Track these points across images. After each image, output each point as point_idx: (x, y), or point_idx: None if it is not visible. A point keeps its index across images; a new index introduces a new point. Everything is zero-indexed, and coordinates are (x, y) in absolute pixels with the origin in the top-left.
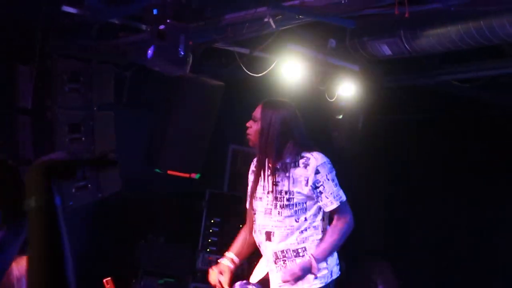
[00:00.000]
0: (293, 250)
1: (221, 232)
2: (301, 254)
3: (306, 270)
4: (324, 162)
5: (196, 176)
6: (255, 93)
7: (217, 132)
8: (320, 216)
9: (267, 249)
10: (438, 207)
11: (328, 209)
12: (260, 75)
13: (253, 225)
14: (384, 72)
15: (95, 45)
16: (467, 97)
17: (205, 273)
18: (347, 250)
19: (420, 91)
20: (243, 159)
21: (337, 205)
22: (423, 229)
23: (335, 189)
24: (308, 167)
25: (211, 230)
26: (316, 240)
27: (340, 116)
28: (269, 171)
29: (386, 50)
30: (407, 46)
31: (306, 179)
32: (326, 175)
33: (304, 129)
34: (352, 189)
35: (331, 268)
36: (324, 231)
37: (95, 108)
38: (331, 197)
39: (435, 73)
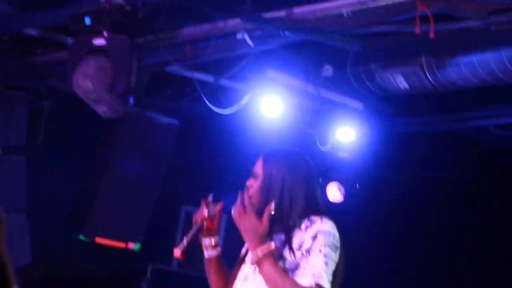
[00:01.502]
0: None
1: None
2: None
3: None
4: (329, 232)
5: (134, 246)
6: (220, 136)
7: (166, 187)
8: None
9: None
10: None
11: (297, 282)
12: (228, 111)
13: None
14: (397, 112)
15: (4, 64)
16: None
17: None
18: None
19: (447, 140)
20: None
21: (308, 285)
22: None
23: (321, 267)
24: (308, 229)
25: None
26: None
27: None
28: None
29: (402, 83)
30: (430, 78)
31: (300, 242)
32: (323, 245)
33: (318, 185)
34: (356, 269)
35: None
36: None
37: (0, 151)
38: (309, 272)
39: (468, 116)
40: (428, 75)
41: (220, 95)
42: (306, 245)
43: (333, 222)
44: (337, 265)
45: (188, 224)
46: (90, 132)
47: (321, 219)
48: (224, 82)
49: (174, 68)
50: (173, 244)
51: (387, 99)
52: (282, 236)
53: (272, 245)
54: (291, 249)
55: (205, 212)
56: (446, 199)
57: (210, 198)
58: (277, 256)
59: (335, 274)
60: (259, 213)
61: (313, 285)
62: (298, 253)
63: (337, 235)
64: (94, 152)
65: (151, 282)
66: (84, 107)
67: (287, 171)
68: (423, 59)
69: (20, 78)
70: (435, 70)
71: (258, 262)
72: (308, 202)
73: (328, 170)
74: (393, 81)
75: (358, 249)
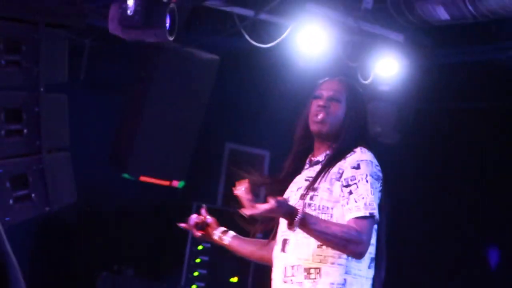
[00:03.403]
0: (304, 269)
1: (211, 262)
2: (312, 277)
3: (286, 209)
4: (371, 162)
5: (178, 184)
6: (261, 71)
7: (208, 124)
8: None
9: (279, 264)
10: (509, 230)
11: (349, 216)
12: (268, 45)
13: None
14: (438, 44)
15: (43, 1)
16: None
17: None
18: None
19: (487, 70)
20: (244, 162)
21: (363, 215)
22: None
23: (371, 196)
24: (347, 159)
25: (198, 260)
26: (338, 265)
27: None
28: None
29: (442, 13)
30: (470, 8)
31: (340, 172)
32: (367, 174)
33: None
34: (401, 203)
35: None
36: (352, 258)
37: (42, 89)
38: (361, 203)
39: (507, 46)
40: (468, 4)
41: (260, 30)
42: (346, 175)
43: (371, 152)
44: (381, 194)
45: (232, 161)
46: (131, 70)
47: (361, 149)
48: (263, 16)
49: (214, 3)
50: (218, 181)
51: (428, 30)
52: (328, 167)
53: (301, 210)
54: (325, 176)
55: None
56: (488, 129)
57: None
58: (314, 191)
59: (380, 204)
60: (330, 133)
61: (367, 215)
62: (337, 184)
63: (377, 164)
64: (135, 89)
65: None
66: (124, 45)
67: (361, 102)
68: None
69: (61, 15)
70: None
71: (302, 228)
72: (362, 135)
73: (370, 102)
74: (433, 12)
75: (399, 181)
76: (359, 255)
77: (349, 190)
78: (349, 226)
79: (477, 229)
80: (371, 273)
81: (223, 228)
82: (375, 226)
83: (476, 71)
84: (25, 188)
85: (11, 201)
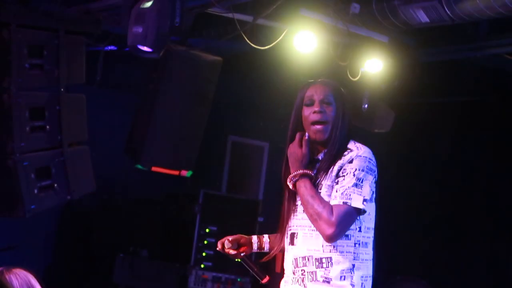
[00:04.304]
0: (316, 259)
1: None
2: (325, 266)
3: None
4: (365, 157)
5: (187, 174)
6: (259, 71)
7: (213, 120)
8: (355, 225)
9: (289, 256)
10: (487, 218)
11: (331, 203)
12: (266, 47)
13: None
14: (420, 44)
15: (62, 11)
16: None
17: None
18: (376, 269)
19: (464, 67)
20: (245, 153)
21: (337, 203)
22: (470, 246)
23: (351, 188)
24: (345, 156)
25: (205, 242)
26: (347, 252)
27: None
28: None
29: (423, 17)
30: (448, 11)
31: (339, 168)
32: (356, 169)
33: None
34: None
35: None
36: (358, 245)
37: (62, 89)
38: (339, 192)
39: (483, 45)
40: (446, 9)
41: (259, 33)
42: (343, 169)
43: (369, 149)
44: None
45: (235, 152)
46: (141, 72)
47: (358, 146)
48: (261, 21)
49: (216, 9)
50: (222, 170)
51: (410, 32)
52: (327, 165)
53: (310, 172)
54: (327, 174)
55: (232, 253)
56: (465, 121)
57: (222, 244)
58: (319, 183)
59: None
60: (327, 139)
61: (341, 203)
62: (337, 179)
63: (373, 160)
64: (146, 89)
65: (203, 205)
66: None
67: (348, 103)
68: None
69: (78, 23)
70: (453, 4)
71: (294, 185)
72: (351, 133)
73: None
74: (414, 15)
75: (382, 170)
76: (326, 236)
77: (337, 181)
78: (329, 207)
79: (456, 211)
80: (372, 255)
81: (255, 240)
82: (372, 214)
83: (453, 69)
84: (48, 179)
85: (36, 191)
